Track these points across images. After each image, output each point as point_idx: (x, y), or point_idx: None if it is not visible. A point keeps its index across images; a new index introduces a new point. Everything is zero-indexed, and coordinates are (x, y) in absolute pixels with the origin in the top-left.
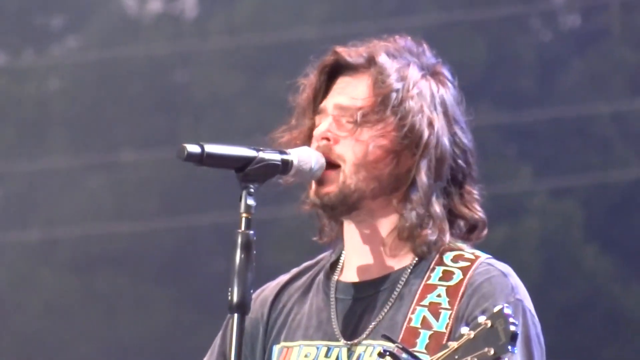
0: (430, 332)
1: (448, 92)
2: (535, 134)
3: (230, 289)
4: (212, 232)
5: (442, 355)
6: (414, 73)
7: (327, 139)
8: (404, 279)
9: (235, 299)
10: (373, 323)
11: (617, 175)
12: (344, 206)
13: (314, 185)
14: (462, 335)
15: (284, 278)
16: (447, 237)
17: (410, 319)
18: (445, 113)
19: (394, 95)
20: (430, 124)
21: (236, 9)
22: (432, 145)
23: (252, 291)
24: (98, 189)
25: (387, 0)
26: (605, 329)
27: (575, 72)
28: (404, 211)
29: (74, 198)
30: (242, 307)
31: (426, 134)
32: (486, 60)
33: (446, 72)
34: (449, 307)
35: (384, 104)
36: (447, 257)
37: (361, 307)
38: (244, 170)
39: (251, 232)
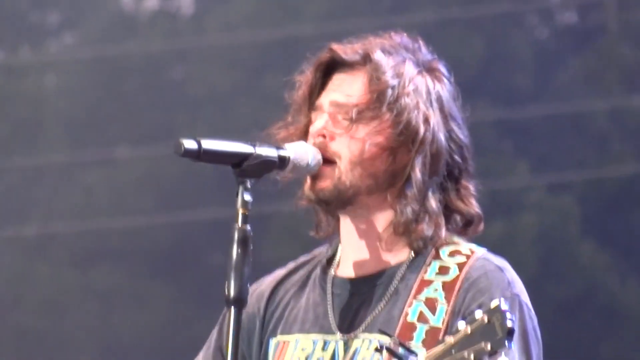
0: (427, 327)
1: (444, 88)
2: (531, 130)
3: (227, 283)
4: (209, 227)
5: (439, 350)
6: (409, 69)
7: (323, 135)
8: (401, 274)
9: (232, 293)
10: (369, 317)
11: (614, 171)
12: (339, 201)
13: (309, 180)
14: (458, 330)
15: (280, 272)
16: (443, 232)
17: (406, 314)
18: (441, 109)
19: (389, 91)
20: (426, 120)
21: (232, 6)
22: (428, 141)
23: (248, 285)
24: (95, 184)
25: None
26: (601, 324)
27: (571, 68)
28: (399, 207)
29: (71, 194)
30: (239, 302)
31: (422, 130)
32: (483, 57)
33: (442, 68)
34: (445, 302)
35: (380, 100)
36: (444, 251)
37: (358, 301)
38: (241, 166)
39: (248, 227)
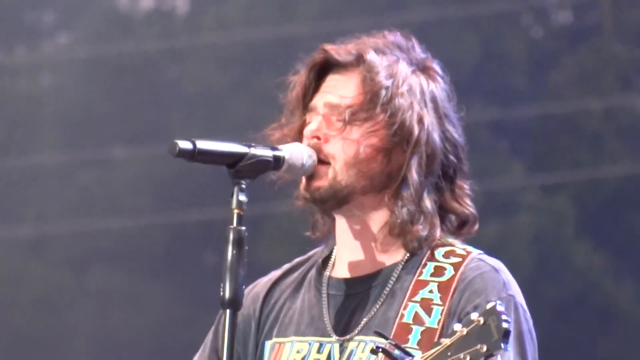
0: (422, 328)
1: (438, 87)
2: (526, 130)
3: (222, 285)
4: (204, 228)
5: (435, 352)
6: (403, 69)
7: (317, 137)
8: (396, 275)
9: (227, 295)
10: (365, 319)
11: (609, 171)
12: (334, 200)
13: (304, 180)
14: (454, 332)
15: (275, 274)
16: (438, 233)
17: (402, 315)
18: (436, 108)
19: (383, 92)
20: (421, 121)
21: (227, 6)
22: (423, 141)
23: (244, 287)
24: (90, 185)
25: None
26: (597, 324)
27: (566, 68)
28: (395, 208)
29: (65, 194)
30: (234, 303)
31: (416, 130)
32: (478, 56)
33: (436, 67)
34: (440, 303)
35: (373, 101)
36: (439, 252)
37: (353, 303)
38: (236, 167)
39: (243, 228)
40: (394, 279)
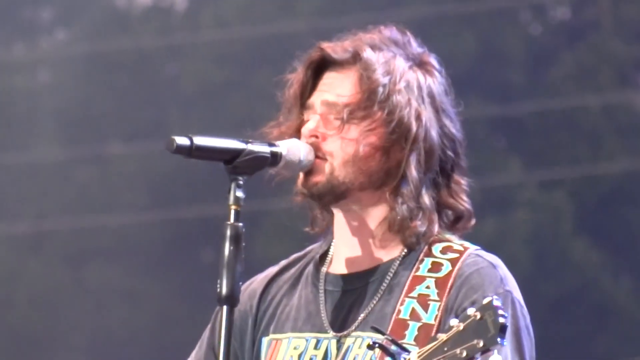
0: (419, 324)
1: (435, 82)
2: (524, 127)
3: (219, 281)
4: (202, 224)
5: (431, 347)
6: (400, 65)
7: (316, 136)
8: (393, 271)
9: (224, 291)
10: (362, 315)
11: (606, 168)
12: (332, 195)
13: (302, 175)
14: (451, 327)
15: (272, 270)
16: (436, 228)
17: (399, 311)
18: (433, 103)
19: (380, 90)
20: (418, 117)
21: (226, 2)
22: (421, 138)
23: (241, 283)
24: (87, 181)
25: None
26: (594, 321)
27: (564, 65)
28: (395, 204)
29: (63, 190)
30: (231, 300)
31: (414, 127)
32: (476, 52)
33: (433, 61)
34: (437, 299)
35: (371, 99)
36: (436, 248)
37: (350, 299)
38: (233, 163)
39: (240, 224)
40: (391, 275)
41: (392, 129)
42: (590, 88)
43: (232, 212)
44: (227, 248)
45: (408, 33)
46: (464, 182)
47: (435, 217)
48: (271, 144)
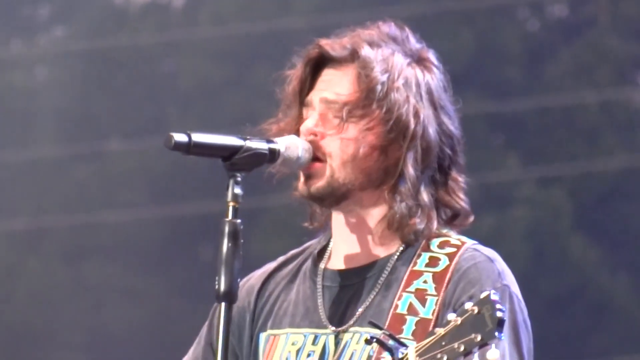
0: (417, 319)
1: (434, 78)
2: (522, 124)
3: (217, 278)
4: (200, 221)
5: (429, 341)
6: (398, 62)
7: (314, 134)
8: (390, 266)
9: (222, 288)
10: (360, 310)
11: (605, 165)
12: (332, 198)
13: (302, 177)
14: (449, 322)
15: (270, 266)
16: (435, 225)
17: (396, 306)
18: (431, 100)
19: (379, 88)
20: (417, 114)
21: None
22: (419, 135)
23: (239, 280)
24: (86, 178)
25: None
26: (592, 318)
27: (562, 61)
28: (393, 203)
29: (61, 187)
30: (230, 296)
31: (412, 124)
32: (473, 49)
33: (431, 57)
34: (435, 294)
35: (369, 98)
36: (434, 243)
37: (348, 294)
38: (231, 159)
39: (238, 220)
40: (389, 270)
41: (390, 127)
42: (588, 85)
43: (230, 208)
44: (225, 245)
45: (406, 29)
46: (461, 179)
47: (434, 214)
48: (269, 141)
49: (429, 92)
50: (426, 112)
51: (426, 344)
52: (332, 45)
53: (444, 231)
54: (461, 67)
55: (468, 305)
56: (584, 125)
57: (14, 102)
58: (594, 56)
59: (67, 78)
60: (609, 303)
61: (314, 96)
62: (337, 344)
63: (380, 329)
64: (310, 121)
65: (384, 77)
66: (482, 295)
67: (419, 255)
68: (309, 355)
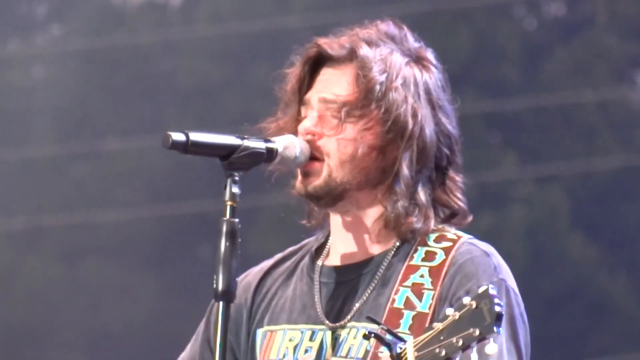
0: (414, 313)
1: (432, 77)
2: (520, 122)
3: (215, 277)
4: (198, 220)
5: (427, 336)
6: (397, 61)
7: (312, 134)
8: (387, 262)
9: (220, 287)
10: (357, 305)
11: (602, 163)
12: (329, 197)
13: (300, 176)
14: (447, 316)
15: (267, 263)
16: (432, 224)
17: (393, 300)
18: (429, 100)
19: (377, 88)
20: (415, 114)
21: None
22: (416, 135)
23: (237, 279)
24: (83, 177)
25: None
26: (590, 317)
27: (559, 60)
28: (389, 203)
29: (59, 187)
30: (228, 295)
31: (410, 124)
32: (470, 48)
33: (430, 56)
34: (431, 288)
35: (368, 98)
36: (430, 237)
37: (345, 290)
38: (229, 159)
39: (236, 220)
40: (385, 266)
41: (388, 127)
42: (586, 84)
43: (228, 207)
44: (223, 244)
45: (405, 28)
46: (459, 179)
47: (432, 213)
48: (267, 140)
49: (427, 92)
50: (424, 112)
51: (424, 339)
52: (331, 45)
53: (440, 226)
54: (458, 66)
55: (466, 300)
56: (581, 124)
57: (12, 101)
58: (592, 55)
59: (64, 77)
60: (607, 302)
61: (313, 96)
62: (334, 339)
63: (378, 323)
64: (308, 121)
65: (383, 77)
66: (480, 290)
67: (416, 249)
68: (306, 351)
